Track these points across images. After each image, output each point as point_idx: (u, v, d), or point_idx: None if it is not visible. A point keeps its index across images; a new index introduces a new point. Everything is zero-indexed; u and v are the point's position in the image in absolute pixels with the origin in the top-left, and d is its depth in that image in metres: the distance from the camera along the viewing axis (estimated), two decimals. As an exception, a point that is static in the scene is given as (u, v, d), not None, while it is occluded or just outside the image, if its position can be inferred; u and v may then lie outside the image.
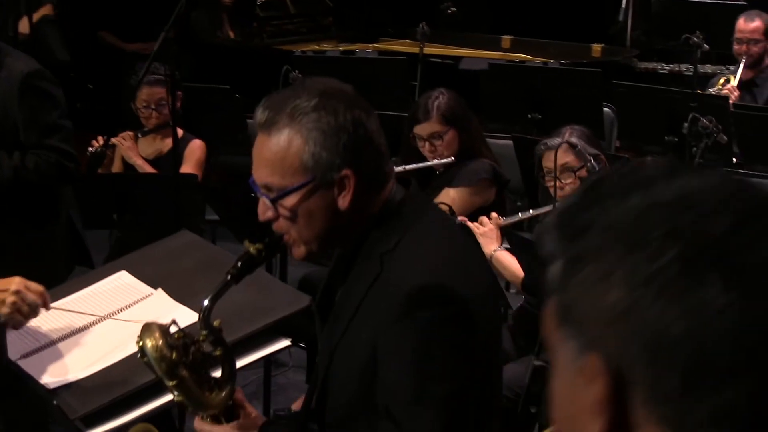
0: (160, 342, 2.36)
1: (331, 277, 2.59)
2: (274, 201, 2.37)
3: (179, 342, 2.37)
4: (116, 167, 5.96)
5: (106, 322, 3.13)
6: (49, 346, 3.07)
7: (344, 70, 6.92)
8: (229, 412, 2.49)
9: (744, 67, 7.10)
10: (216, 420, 2.49)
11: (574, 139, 4.45)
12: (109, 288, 3.28)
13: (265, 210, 2.41)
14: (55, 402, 2.76)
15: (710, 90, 7.06)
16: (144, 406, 2.81)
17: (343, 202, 2.35)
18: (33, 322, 3.07)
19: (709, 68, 8.30)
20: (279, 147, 2.33)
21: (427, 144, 5.05)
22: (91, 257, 5.21)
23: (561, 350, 1.05)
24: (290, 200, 2.35)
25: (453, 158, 5.02)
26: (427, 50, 8.03)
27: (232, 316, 2.85)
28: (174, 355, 2.35)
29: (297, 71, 6.11)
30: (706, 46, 7.51)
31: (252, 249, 2.41)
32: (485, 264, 2.77)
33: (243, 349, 2.88)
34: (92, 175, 5.68)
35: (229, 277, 2.40)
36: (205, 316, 2.37)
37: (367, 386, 2.32)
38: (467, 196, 5.00)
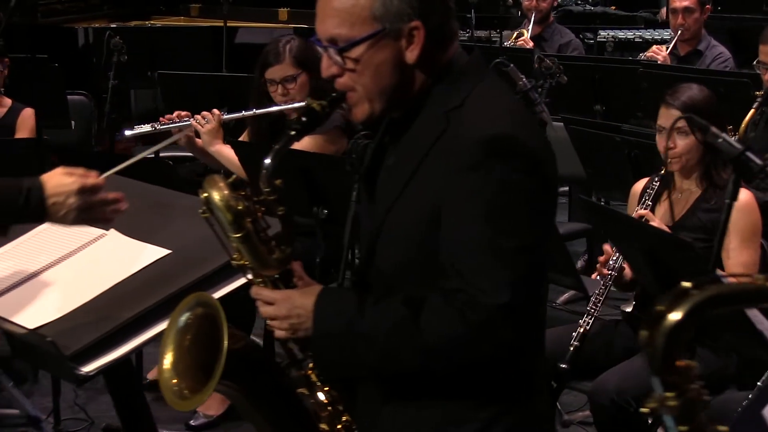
0: (226, 192, 2.33)
1: (376, 149, 2.53)
2: (341, 51, 2.30)
3: (243, 195, 2.34)
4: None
5: (59, 266, 3.04)
6: (6, 292, 2.96)
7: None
8: (285, 278, 2.43)
9: (533, 22, 7.44)
10: (274, 286, 2.43)
11: None
12: (49, 234, 3.17)
13: (329, 65, 2.34)
14: (49, 338, 2.66)
15: (506, 43, 7.36)
16: (133, 341, 2.77)
17: (411, 55, 2.29)
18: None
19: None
20: None
21: (279, 87, 5.06)
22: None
23: None
24: (358, 51, 2.29)
25: (305, 102, 5.04)
26: (207, 23, 8.06)
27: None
28: (241, 206, 2.32)
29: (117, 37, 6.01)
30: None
31: (315, 105, 2.39)
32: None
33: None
34: None
35: (293, 132, 2.37)
36: (269, 173, 2.34)
37: (430, 243, 2.25)
38: (321, 144, 5.01)
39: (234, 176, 2.40)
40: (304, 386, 2.52)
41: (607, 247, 4.11)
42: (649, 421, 3.99)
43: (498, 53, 6.42)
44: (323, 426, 2.53)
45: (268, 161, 2.34)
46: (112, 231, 3.09)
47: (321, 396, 2.51)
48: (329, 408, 2.52)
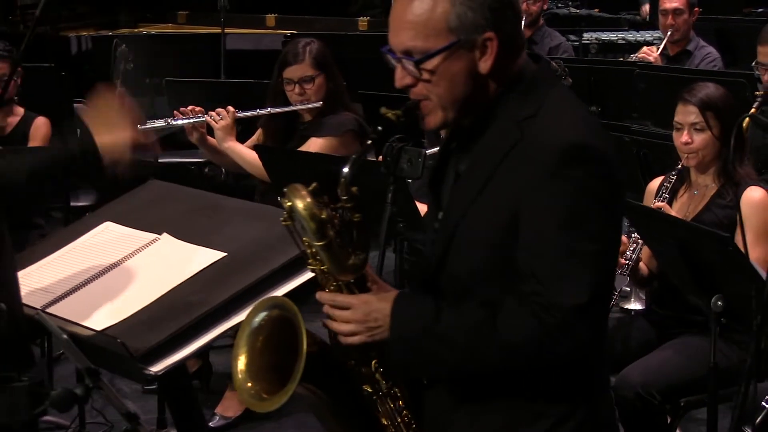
0: (310, 200, 2.39)
1: (444, 155, 2.60)
2: (418, 63, 2.35)
3: (324, 203, 2.41)
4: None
5: (117, 269, 3.10)
6: (68, 295, 3.02)
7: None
8: (360, 283, 2.49)
9: (524, 26, 7.53)
10: (348, 291, 2.48)
11: None
12: (100, 240, 3.24)
13: (403, 76, 2.40)
14: (119, 340, 2.72)
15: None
16: (198, 340, 2.84)
17: (485, 65, 2.36)
18: (38, 275, 3.03)
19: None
20: (424, 8, 2.33)
21: (296, 87, 5.14)
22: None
23: None
24: (433, 62, 2.35)
25: (321, 102, 5.15)
26: (200, 30, 8.12)
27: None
28: (324, 214, 2.40)
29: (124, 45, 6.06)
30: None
31: (391, 114, 2.44)
32: None
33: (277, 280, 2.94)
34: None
35: (370, 141, 2.47)
36: (347, 181, 2.41)
37: (506, 249, 2.32)
38: (333, 147, 5.09)
39: (314, 184, 2.46)
40: (368, 384, 2.58)
41: (624, 238, 4.21)
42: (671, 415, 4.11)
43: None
44: (384, 421, 2.60)
45: (346, 170, 2.41)
46: (165, 235, 3.16)
47: (384, 391, 2.58)
48: (392, 404, 2.59)
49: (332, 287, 2.50)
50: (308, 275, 2.92)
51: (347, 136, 5.15)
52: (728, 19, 8.13)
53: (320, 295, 2.49)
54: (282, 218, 2.45)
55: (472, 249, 2.40)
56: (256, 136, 5.38)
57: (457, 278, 2.44)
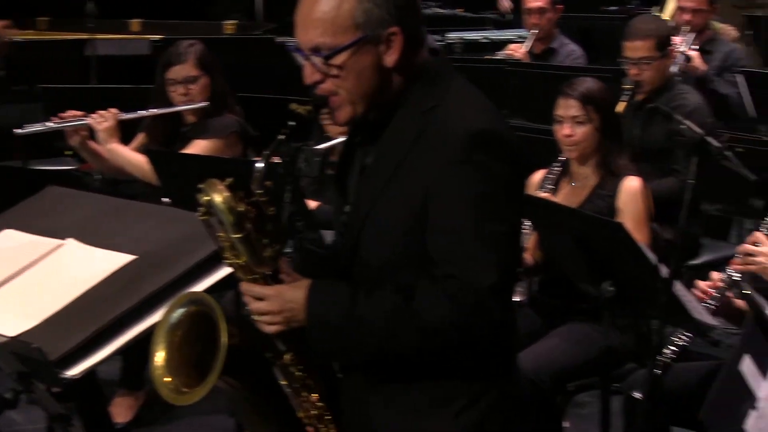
0: (227, 194, 2.45)
1: (349, 149, 2.68)
2: (326, 59, 2.44)
3: (240, 197, 2.47)
4: None
5: (23, 275, 3.07)
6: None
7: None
8: (276, 275, 2.56)
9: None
10: (264, 282, 2.54)
11: None
12: (5, 245, 3.21)
13: (312, 73, 2.49)
14: (34, 345, 2.71)
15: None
16: (115, 342, 2.84)
17: (390, 59, 2.46)
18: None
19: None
20: (331, 5, 2.44)
21: (180, 87, 5.17)
22: None
23: None
24: (341, 58, 2.44)
25: (206, 103, 5.17)
26: (66, 36, 8.02)
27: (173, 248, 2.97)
28: (241, 208, 2.45)
29: None
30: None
31: (301, 110, 2.52)
32: None
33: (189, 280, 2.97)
34: None
35: (282, 136, 2.51)
36: (261, 176, 2.48)
37: (417, 236, 2.42)
38: (217, 149, 5.12)
39: (230, 179, 2.51)
40: (283, 377, 2.64)
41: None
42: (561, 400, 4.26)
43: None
44: (300, 414, 2.66)
45: (260, 165, 2.49)
46: (70, 240, 3.14)
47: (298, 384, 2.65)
48: (305, 396, 2.65)
49: (249, 280, 2.56)
50: (221, 274, 2.99)
51: (231, 138, 5.20)
52: (588, 17, 8.36)
53: (242, 287, 2.55)
54: (199, 213, 2.50)
55: (384, 239, 2.49)
56: (138, 140, 5.37)
57: (370, 268, 2.52)
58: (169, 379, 2.59)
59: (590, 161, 4.46)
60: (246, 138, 5.29)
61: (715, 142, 2.63)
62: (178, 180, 4.55)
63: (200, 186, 2.50)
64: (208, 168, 4.47)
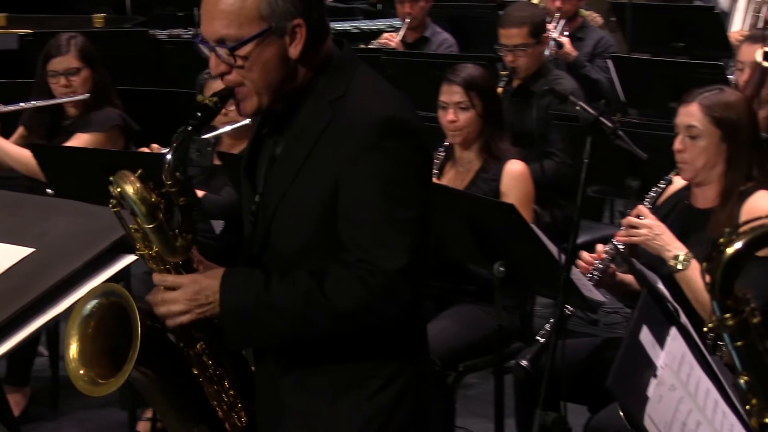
0: (139, 185, 2.47)
1: (257, 140, 2.71)
2: (232, 50, 2.47)
3: (151, 188, 2.50)
4: None
5: None
6: None
7: None
8: (188, 264, 2.59)
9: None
10: (177, 272, 2.57)
11: None
12: None
13: (217, 65, 2.51)
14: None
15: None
16: (14, 337, 2.82)
17: (295, 50, 2.50)
18: None
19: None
20: None
21: (62, 79, 5.15)
22: None
23: None
24: (246, 49, 2.47)
25: (88, 95, 5.14)
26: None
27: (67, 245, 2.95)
28: (153, 198, 2.47)
29: None
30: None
31: (208, 101, 2.54)
32: None
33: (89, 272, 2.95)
34: None
35: (189, 128, 2.53)
36: (171, 167, 2.49)
37: (328, 224, 2.47)
38: (99, 142, 5.11)
39: (140, 170, 2.53)
40: (196, 366, 2.67)
41: None
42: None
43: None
44: (212, 403, 2.69)
45: (169, 156, 2.51)
46: (-36, 235, 3.10)
47: (209, 372, 2.67)
48: (217, 386, 2.69)
49: (161, 270, 2.58)
50: (121, 265, 2.98)
51: (113, 132, 5.20)
52: (458, 5, 8.48)
53: (154, 277, 2.57)
54: (111, 204, 2.52)
55: (295, 227, 2.54)
56: (18, 134, 5.31)
57: (282, 256, 2.57)
58: (83, 371, 2.60)
59: (473, 146, 4.56)
60: (128, 132, 5.27)
61: (608, 123, 2.74)
62: (64, 173, 4.52)
63: (111, 178, 2.52)
64: (90, 160, 4.45)
